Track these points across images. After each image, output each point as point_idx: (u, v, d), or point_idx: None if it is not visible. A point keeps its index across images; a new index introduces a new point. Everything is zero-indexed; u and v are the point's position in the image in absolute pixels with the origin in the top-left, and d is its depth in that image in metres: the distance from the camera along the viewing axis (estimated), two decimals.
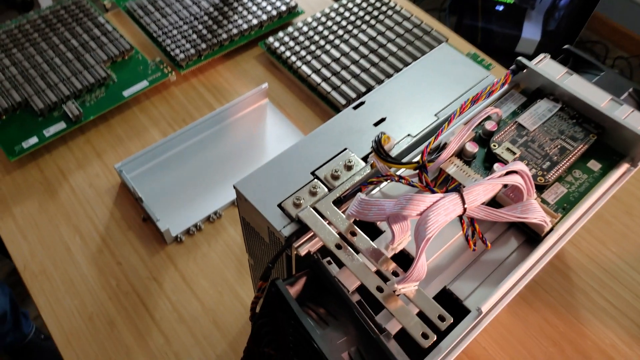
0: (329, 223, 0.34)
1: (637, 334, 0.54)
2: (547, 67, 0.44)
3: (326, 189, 0.36)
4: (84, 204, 0.62)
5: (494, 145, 0.38)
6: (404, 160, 0.37)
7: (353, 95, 0.69)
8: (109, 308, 0.55)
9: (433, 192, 0.33)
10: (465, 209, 0.31)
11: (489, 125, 0.38)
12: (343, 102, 0.69)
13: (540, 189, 0.37)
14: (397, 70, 0.71)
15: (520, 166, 0.34)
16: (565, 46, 0.47)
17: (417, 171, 0.35)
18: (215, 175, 0.65)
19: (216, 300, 0.56)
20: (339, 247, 0.33)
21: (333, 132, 0.40)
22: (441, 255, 0.35)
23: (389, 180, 0.36)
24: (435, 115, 0.41)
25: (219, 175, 0.65)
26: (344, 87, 0.70)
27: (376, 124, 0.41)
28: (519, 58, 0.41)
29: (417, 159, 0.36)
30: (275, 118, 0.71)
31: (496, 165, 0.36)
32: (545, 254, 0.34)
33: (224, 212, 0.62)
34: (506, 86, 0.41)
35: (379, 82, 0.70)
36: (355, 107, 0.42)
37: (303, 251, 0.34)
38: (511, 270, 0.34)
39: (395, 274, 0.32)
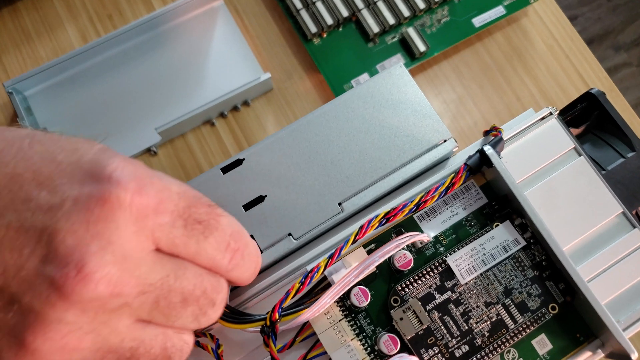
0: None
1: None
2: (543, 141, 0.28)
3: None
4: None
5: (395, 301, 0.25)
6: (261, 298, 0.26)
7: (329, 20, 0.52)
8: None
9: None
10: None
11: (400, 262, 0.25)
12: (313, 29, 0.52)
13: None
14: None
15: None
16: (592, 89, 0.30)
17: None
18: (132, 108, 0.53)
19: None
20: None
21: None
22: None
23: None
24: (340, 204, 0.28)
25: (136, 111, 0.53)
26: (319, 6, 0.53)
27: (248, 206, 0.28)
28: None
29: (267, 314, 0.24)
30: (226, 30, 0.56)
31: (384, 341, 0.25)
32: None
33: (136, 159, 0.52)
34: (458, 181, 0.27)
35: (370, 4, 0.52)
36: (225, 169, 0.28)
37: None
38: None
39: None
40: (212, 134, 0.53)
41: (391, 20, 0.51)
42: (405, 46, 0.52)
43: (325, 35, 0.53)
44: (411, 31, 0.52)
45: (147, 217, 0.19)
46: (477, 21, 0.53)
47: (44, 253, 0.17)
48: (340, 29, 0.53)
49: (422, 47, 0.51)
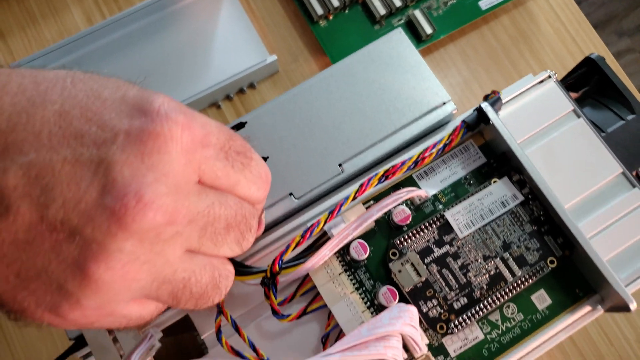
0: (115, 339, 0.26)
1: None
2: (541, 103, 0.29)
3: None
4: None
5: (393, 254, 0.26)
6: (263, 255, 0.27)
7: (336, 2, 0.53)
8: None
9: (243, 357, 0.24)
10: None
11: (398, 217, 0.26)
12: (320, 11, 0.53)
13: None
14: None
15: (402, 326, 0.23)
16: (592, 54, 0.31)
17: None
18: (140, 87, 0.54)
19: None
20: None
21: None
22: None
23: None
24: (340, 165, 0.29)
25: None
26: None
27: None
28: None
29: (268, 267, 0.25)
30: (232, 12, 0.57)
31: (383, 293, 0.26)
32: None
33: None
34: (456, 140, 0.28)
35: None
36: None
37: None
38: None
39: None
40: (218, 117, 0.55)
41: (398, 3, 0.52)
42: (412, 28, 0.53)
43: (331, 17, 0.54)
44: (418, 13, 0.53)
45: (195, 150, 0.20)
46: (484, 4, 0.54)
47: (102, 185, 0.18)
48: (347, 11, 0.54)
49: (428, 30, 0.52)
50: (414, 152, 0.27)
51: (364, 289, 0.27)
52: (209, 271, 0.22)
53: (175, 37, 0.55)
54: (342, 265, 0.27)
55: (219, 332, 0.25)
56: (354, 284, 0.27)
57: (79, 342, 0.27)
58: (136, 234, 0.18)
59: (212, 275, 0.22)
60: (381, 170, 0.26)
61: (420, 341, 0.24)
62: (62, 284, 0.18)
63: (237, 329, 0.25)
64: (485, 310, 0.26)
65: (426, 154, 0.26)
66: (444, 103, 0.30)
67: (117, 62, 0.55)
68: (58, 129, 0.18)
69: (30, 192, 0.18)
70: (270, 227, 0.29)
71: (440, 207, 0.28)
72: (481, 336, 0.26)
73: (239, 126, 0.30)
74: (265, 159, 0.29)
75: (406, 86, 0.30)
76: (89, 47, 0.55)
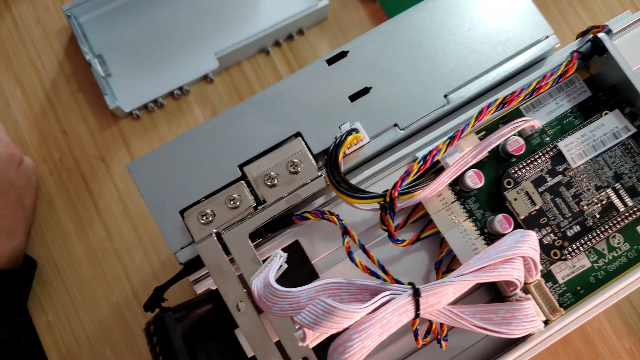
0: (232, 260, 0.25)
1: (633, 324, 0.47)
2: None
3: (252, 201, 0.26)
4: (29, 47, 0.52)
5: (508, 183, 0.26)
6: (369, 184, 0.26)
7: None
8: (48, 184, 0.50)
9: (378, 277, 0.24)
10: (417, 315, 0.22)
11: (513, 147, 0.26)
12: None
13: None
14: None
15: (527, 249, 0.23)
16: None
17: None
18: (187, 35, 0.53)
19: None
20: (240, 308, 0.24)
21: (288, 101, 0.28)
22: None
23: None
24: (446, 96, 0.28)
25: (191, 38, 0.52)
26: None
27: (353, 97, 0.28)
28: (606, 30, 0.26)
29: (387, 190, 0.25)
30: None
31: (499, 220, 0.25)
32: (522, 356, 0.26)
33: (192, 87, 0.52)
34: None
35: None
36: (330, 61, 0.29)
37: (200, 288, 0.26)
38: None
39: None
40: (268, 63, 0.53)
41: None
42: None
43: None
44: None
45: None
46: None
47: None
48: None
49: None
50: (530, 79, 0.27)
51: (474, 217, 0.26)
52: None
53: None
54: (454, 195, 0.26)
55: (350, 253, 0.24)
56: (465, 213, 0.26)
57: (189, 266, 0.27)
58: None
59: None
60: (500, 96, 0.26)
61: (539, 265, 0.24)
62: None
63: (365, 250, 0.24)
64: (597, 239, 0.26)
65: (543, 83, 0.26)
66: (547, 37, 0.29)
67: (168, 6, 0.53)
68: None
69: None
70: (375, 157, 0.28)
71: (547, 139, 0.27)
72: (588, 264, 0.26)
73: (340, 55, 0.29)
74: (368, 89, 0.28)
75: (509, 19, 0.29)
76: None
